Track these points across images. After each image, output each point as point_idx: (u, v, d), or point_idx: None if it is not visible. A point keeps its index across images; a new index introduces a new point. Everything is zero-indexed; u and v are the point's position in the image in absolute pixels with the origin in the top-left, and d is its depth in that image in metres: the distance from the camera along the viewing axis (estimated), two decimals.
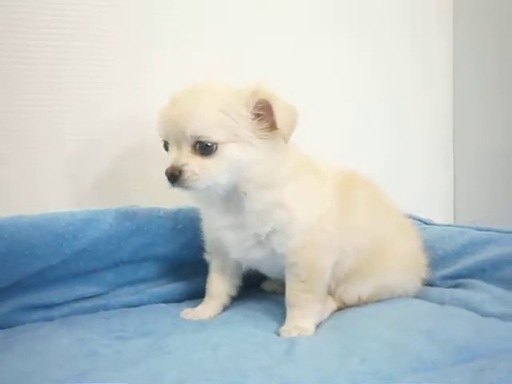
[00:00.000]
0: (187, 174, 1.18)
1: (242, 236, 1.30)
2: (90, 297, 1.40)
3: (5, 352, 1.14)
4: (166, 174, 1.18)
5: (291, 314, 1.29)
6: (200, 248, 1.43)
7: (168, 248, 1.46)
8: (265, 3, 1.91)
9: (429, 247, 1.53)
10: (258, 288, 1.57)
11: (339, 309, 1.39)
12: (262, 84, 1.22)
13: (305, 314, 1.28)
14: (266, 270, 1.42)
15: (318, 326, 1.28)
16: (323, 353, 1.10)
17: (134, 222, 1.41)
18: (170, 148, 1.21)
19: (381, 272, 1.40)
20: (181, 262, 1.50)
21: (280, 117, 1.19)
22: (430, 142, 2.25)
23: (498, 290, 1.38)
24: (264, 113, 1.21)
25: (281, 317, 1.31)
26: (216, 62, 1.80)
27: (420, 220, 1.71)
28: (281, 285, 1.50)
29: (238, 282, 1.44)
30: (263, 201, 1.25)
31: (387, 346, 1.10)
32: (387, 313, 1.30)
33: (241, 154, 1.21)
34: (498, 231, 1.52)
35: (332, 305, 1.39)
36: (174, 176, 1.17)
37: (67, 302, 1.37)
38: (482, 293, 1.37)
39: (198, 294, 1.45)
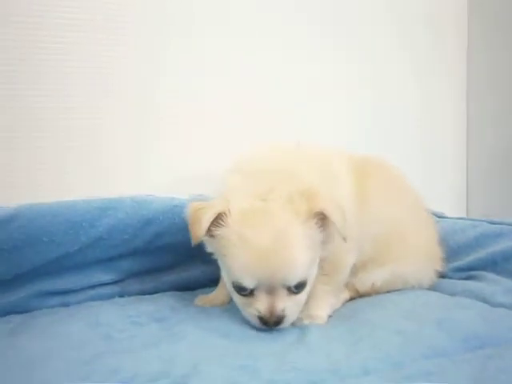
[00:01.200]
0: (288, 317, 1.17)
1: None
2: (106, 284, 1.43)
3: (22, 335, 1.16)
4: (267, 323, 1.15)
5: (306, 303, 1.29)
6: None
7: (183, 237, 1.45)
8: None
9: (441, 240, 1.53)
10: None
11: (351, 298, 1.41)
12: (310, 192, 1.18)
13: (319, 305, 1.29)
14: None
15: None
16: (334, 340, 1.12)
17: (150, 211, 1.43)
18: (256, 293, 1.15)
19: (397, 260, 1.41)
20: (196, 250, 1.51)
21: (338, 221, 1.16)
22: (443, 137, 2.26)
23: (510, 282, 1.39)
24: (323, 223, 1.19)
25: None
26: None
27: (432, 213, 1.70)
28: None
29: None
30: None
31: (397, 334, 1.11)
32: (398, 303, 1.31)
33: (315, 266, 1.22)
34: (510, 224, 1.53)
35: (345, 295, 1.40)
36: (277, 323, 1.16)
37: (83, 289, 1.40)
38: (494, 284, 1.38)
39: (212, 283, 1.46)
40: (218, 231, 1.18)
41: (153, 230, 1.44)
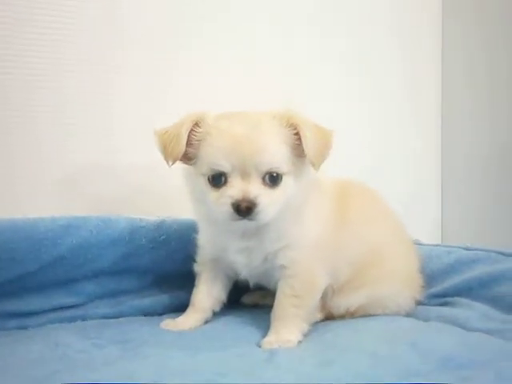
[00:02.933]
0: (261, 207, 1.16)
1: (252, 257, 1.28)
2: (68, 307, 1.37)
3: None
4: (238, 207, 1.15)
5: (275, 327, 1.25)
6: (183, 261, 1.42)
7: (150, 259, 1.43)
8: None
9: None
10: (238, 303, 1.52)
11: (325, 319, 1.37)
12: (290, 109, 1.22)
13: (290, 329, 1.24)
14: (266, 283, 1.39)
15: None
16: (303, 361, 1.07)
17: (116, 231, 1.39)
18: (230, 179, 1.17)
19: (374, 283, 1.37)
20: (163, 274, 1.47)
21: (308, 144, 1.19)
22: (417, 150, 2.27)
23: (485, 308, 1.36)
24: (299, 141, 1.21)
25: (263, 330, 1.27)
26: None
27: None
28: (263, 296, 1.48)
29: (224, 297, 1.41)
30: (285, 220, 1.25)
31: (370, 356, 1.06)
32: (370, 326, 1.27)
33: (294, 184, 1.22)
34: (486, 250, 1.50)
35: (317, 315, 1.36)
36: (249, 209, 1.15)
37: (44, 312, 1.34)
38: (469, 310, 1.35)
39: (179, 308, 1.41)
40: (195, 138, 1.21)
41: (118, 251, 1.40)
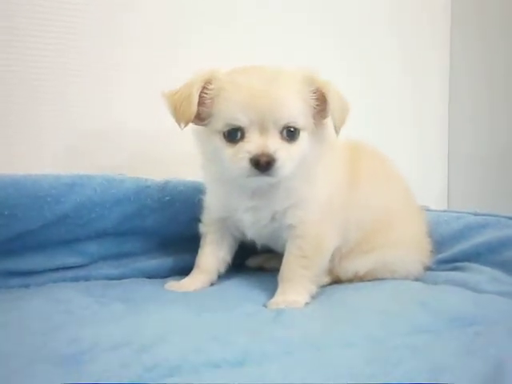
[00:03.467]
0: (280, 162, 1.12)
1: (259, 216, 1.26)
2: (71, 267, 1.34)
3: None
4: (258, 162, 1.11)
5: (283, 288, 1.24)
6: (187, 223, 1.39)
7: (154, 220, 1.41)
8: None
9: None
10: (243, 266, 1.50)
11: (332, 283, 1.35)
12: (315, 72, 1.20)
13: (297, 290, 1.22)
14: (274, 245, 1.37)
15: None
16: (311, 319, 1.06)
17: (120, 190, 1.36)
18: (247, 135, 1.14)
19: (382, 248, 1.35)
20: (168, 236, 1.45)
21: (335, 108, 1.18)
22: (424, 140, 2.23)
23: (495, 272, 1.34)
24: (319, 101, 1.20)
25: (269, 292, 1.25)
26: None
27: None
28: (268, 259, 1.45)
29: (229, 258, 1.39)
30: (297, 179, 1.22)
31: (380, 314, 1.06)
32: (381, 287, 1.26)
33: (309, 141, 1.20)
34: (495, 215, 1.49)
35: (325, 278, 1.34)
36: (268, 164, 1.11)
37: (46, 271, 1.32)
38: (478, 274, 1.34)
39: (184, 271, 1.38)
40: (207, 96, 1.17)
41: (122, 211, 1.37)
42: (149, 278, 1.41)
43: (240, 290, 1.30)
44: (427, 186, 2.19)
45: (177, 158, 1.61)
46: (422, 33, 2.23)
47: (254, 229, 1.29)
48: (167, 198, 1.41)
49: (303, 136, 1.18)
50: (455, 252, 1.45)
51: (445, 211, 1.63)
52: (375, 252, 1.35)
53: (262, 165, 1.11)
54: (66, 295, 1.16)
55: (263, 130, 1.13)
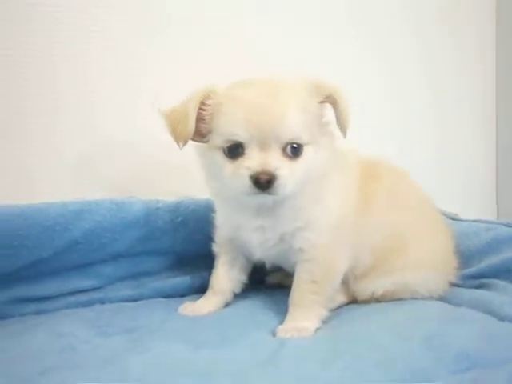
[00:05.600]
0: (281, 180, 1.08)
1: (267, 236, 1.22)
2: (87, 290, 1.35)
3: None
4: (258, 179, 1.07)
5: (293, 314, 1.21)
6: (203, 241, 1.37)
7: (168, 241, 1.40)
8: None
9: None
10: (262, 284, 1.48)
11: (349, 303, 1.32)
12: (320, 77, 1.16)
13: (307, 316, 1.19)
14: (284, 265, 1.34)
15: None
16: (308, 357, 1.01)
17: (130, 214, 1.35)
18: (247, 151, 1.10)
19: (400, 269, 1.29)
20: (184, 255, 1.44)
21: (345, 111, 1.14)
22: (472, 133, 2.12)
23: None
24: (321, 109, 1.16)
25: (282, 315, 1.22)
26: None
27: (445, 215, 1.56)
28: (287, 275, 1.42)
29: (244, 278, 1.36)
30: (304, 197, 1.18)
31: (378, 350, 1.00)
32: (391, 314, 1.20)
33: (315, 155, 1.15)
34: None
35: (342, 298, 1.32)
36: (269, 182, 1.08)
37: (62, 295, 1.33)
38: (504, 294, 1.26)
39: (202, 289, 1.37)
40: (206, 112, 1.14)
41: (134, 234, 1.37)
42: (166, 297, 1.40)
43: (252, 313, 1.28)
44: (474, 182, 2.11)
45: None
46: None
47: (262, 250, 1.25)
48: (180, 218, 1.40)
49: (307, 151, 1.13)
50: (483, 267, 1.37)
51: (475, 221, 1.53)
52: (394, 273, 1.29)
53: (262, 183, 1.07)
54: (70, 327, 1.17)
55: (264, 146, 1.09)
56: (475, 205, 2.08)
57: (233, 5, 1.80)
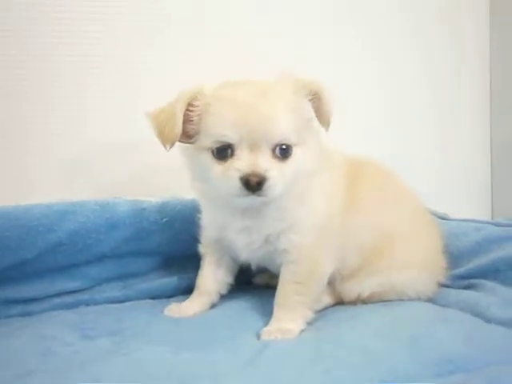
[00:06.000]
0: (271, 181, 1.07)
1: (252, 238, 1.21)
2: (73, 292, 1.34)
3: None
4: (248, 181, 1.06)
5: (278, 315, 1.19)
6: (189, 242, 1.35)
7: (154, 242, 1.39)
8: None
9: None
10: (249, 284, 1.47)
11: (335, 304, 1.31)
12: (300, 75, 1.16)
13: (292, 317, 1.18)
14: (269, 266, 1.32)
15: None
16: (290, 360, 1.00)
17: (114, 215, 1.34)
18: (237, 152, 1.08)
19: (387, 269, 1.28)
20: (170, 256, 1.43)
21: (330, 106, 1.15)
22: (467, 131, 2.10)
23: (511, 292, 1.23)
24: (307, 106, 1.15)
25: (267, 317, 1.21)
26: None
27: (434, 214, 1.55)
28: (273, 276, 1.42)
29: (231, 279, 1.35)
30: (289, 198, 1.17)
31: (361, 353, 0.99)
32: (376, 316, 1.19)
33: (304, 156, 1.14)
34: None
35: (328, 299, 1.30)
36: (259, 184, 1.06)
37: (48, 297, 1.32)
38: (492, 295, 1.24)
39: (189, 290, 1.36)
40: (193, 113, 1.12)
41: (119, 235, 1.35)
42: (153, 298, 1.39)
43: (238, 314, 1.27)
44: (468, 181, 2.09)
45: None
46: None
47: (248, 251, 1.24)
48: (165, 219, 1.39)
49: (296, 152, 1.12)
50: (472, 267, 1.35)
51: (464, 220, 1.51)
52: (381, 274, 1.28)
53: (253, 185, 1.06)
54: (53, 329, 1.16)
55: (254, 147, 1.08)
56: (471, 204, 2.06)
57: (232, 5, 1.78)
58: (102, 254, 1.35)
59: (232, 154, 1.09)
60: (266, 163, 1.08)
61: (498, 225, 1.42)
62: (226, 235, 1.24)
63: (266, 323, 1.19)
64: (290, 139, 1.11)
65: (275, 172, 1.08)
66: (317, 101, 1.15)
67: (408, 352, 0.98)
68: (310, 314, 1.20)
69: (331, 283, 1.29)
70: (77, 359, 1.02)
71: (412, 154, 1.98)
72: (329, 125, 1.17)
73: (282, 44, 1.82)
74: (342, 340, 1.06)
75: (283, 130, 1.09)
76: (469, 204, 2.06)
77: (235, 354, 1.04)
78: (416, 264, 1.30)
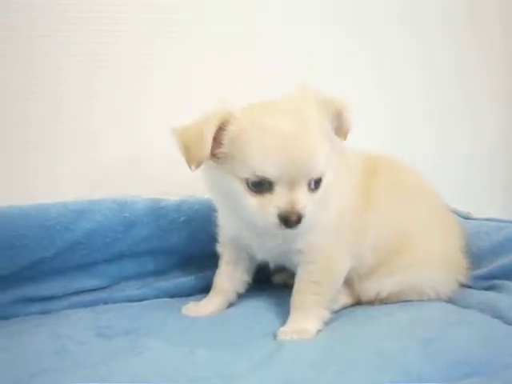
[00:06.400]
0: (308, 216, 1.06)
1: (266, 238, 1.20)
2: (91, 290, 1.35)
3: None
4: (287, 218, 1.04)
5: (294, 315, 1.19)
6: (206, 241, 1.35)
7: (172, 241, 1.38)
8: None
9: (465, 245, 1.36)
10: (268, 283, 1.45)
11: (354, 304, 1.29)
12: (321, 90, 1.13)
13: (308, 317, 1.17)
14: (287, 265, 1.31)
15: None
16: (303, 361, 0.99)
17: (132, 213, 1.34)
18: (276, 187, 1.05)
19: (406, 268, 1.26)
20: (189, 254, 1.42)
21: (350, 122, 1.13)
22: (490, 127, 2.07)
23: None
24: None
25: (285, 317, 1.20)
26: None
27: (457, 214, 1.52)
28: (292, 275, 1.41)
29: (248, 278, 1.34)
30: None
31: (374, 356, 0.98)
32: (394, 316, 1.17)
33: (331, 177, 1.12)
34: None
35: (346, 299, 1.29)
36: (297, 221, 1.05)
37: (66, 295, 1.32)
38: None
39: (206, 289, 1.35)
40: (225, 136, 1.07)
41: (137, 234, 1.36)
42: (172, 297, 1.39)
43: (255, 314, 1.26)
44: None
45: None
46: None
47: (264, 251, 1.24)
48: (183, 218, 1.39)
49: (326, 177, 1.11)
50: (494, 267, 1.32)
51: (487, 219, 1.48)
52: (399, 273, 1.25)
53: (291, 222, 1.04)
54: (70, 328, 1.16)
55: (293, 182, 1.05)
56: (495, 203, 2.03)
57: (239, 14, 1.77)
58: (120, 252, 1.36)
59: (270, 189, 1.06)
60: (304, 200, 1.06)
61: None
62: (242, 234, 1.24)
63: (283, 323, 1.19)
64: (325, 170, 1.09)
65: (311, 206, 1.06)
66: (338, 117, 1.13)
67: (422, 354, 0.96)
68: (326, 314, 1.19)
69: (349, 283, 1.27)
70: (90, 358, 1.03)
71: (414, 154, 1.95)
72: (346, 138, 1.16)
73: (283, 44, 1.80)
74: (357, 341, 1.06)
75: (322, 165, 1.08)
76: (491, 204, 2.03)
77: (250, 354, 1.04)
78: (438, 262, 1.28)
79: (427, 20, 1.97)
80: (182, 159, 1.09)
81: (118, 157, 1.58)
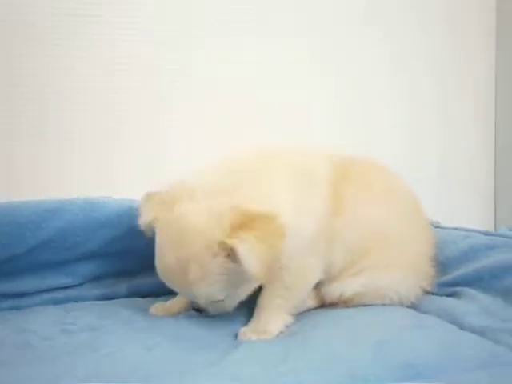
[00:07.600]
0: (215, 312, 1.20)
1: None
2: (63, 288, 1.38)
3: None
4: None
5: (258, 316, 1.21)
6: None
7: (144, 241, 1.39)
8: None
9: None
10: None
11: (319, 307, 1.31)
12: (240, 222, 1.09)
13: (272, 319, 1.20)
14: None
15: None
16: (256, 359, 1.02)
17: (103, 214, 1.37)
18: None
19: (372, 270, 1.27)
20: None
21: (248, 264, 1.05)
22: (470, 135, 2.09)
23: (489, 302, 1.23)
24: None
25: (250, 318, 1.23)
26: None
27: None
28: None
29: None
30: None
31: (328, 356, 1.00)
32: (353, 319, 1.19)
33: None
34: (504, 236, 1.36)
35: (311, 302, 1.30)
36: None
37: (38, 292, 1.35)
38: (471, 303, 1.23)
39: None
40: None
41: (107, 234, 1.38)
42: (143, 297, 1.41)
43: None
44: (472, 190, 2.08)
45: None
46: None
47: None
48: None
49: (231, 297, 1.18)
50: (458, 275, 1.34)
51: (455, 229, 1.50)
52: (365, 274, 1.27)
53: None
54: (36, 324, 1.19)
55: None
56: (474, 210, 2.05)
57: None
58: (91, 251, 1.38)
59: None
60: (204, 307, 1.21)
61: (486, 234, 1.41)
62: None
63: (246, 324, 1.21)
64: (221, 297, 1.16)
65: (213, 308, 1.21)
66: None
67: (372, 355, 0.98)
68: (289, 319, 1.21)
69: (317, 286, 1.28)
70: (50, 353, 1.05)
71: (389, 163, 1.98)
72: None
73: (288, 46, 1.85)
74: (313, 343, 1.07)
75: (207, 297, 1.16)
76: (471, 211, 2.05)
77: (207, 353, 1.06)
78: (404, 266, 1.29)
79: (401, 23, 2.01)
80: None
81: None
